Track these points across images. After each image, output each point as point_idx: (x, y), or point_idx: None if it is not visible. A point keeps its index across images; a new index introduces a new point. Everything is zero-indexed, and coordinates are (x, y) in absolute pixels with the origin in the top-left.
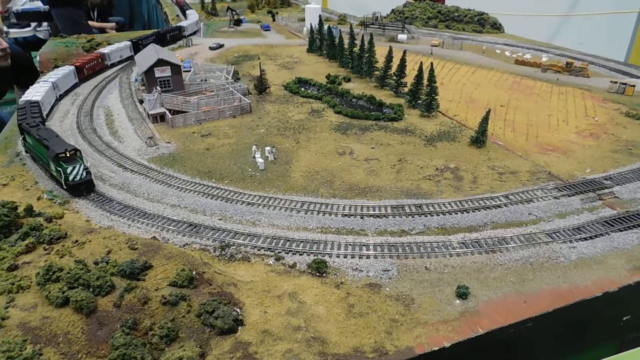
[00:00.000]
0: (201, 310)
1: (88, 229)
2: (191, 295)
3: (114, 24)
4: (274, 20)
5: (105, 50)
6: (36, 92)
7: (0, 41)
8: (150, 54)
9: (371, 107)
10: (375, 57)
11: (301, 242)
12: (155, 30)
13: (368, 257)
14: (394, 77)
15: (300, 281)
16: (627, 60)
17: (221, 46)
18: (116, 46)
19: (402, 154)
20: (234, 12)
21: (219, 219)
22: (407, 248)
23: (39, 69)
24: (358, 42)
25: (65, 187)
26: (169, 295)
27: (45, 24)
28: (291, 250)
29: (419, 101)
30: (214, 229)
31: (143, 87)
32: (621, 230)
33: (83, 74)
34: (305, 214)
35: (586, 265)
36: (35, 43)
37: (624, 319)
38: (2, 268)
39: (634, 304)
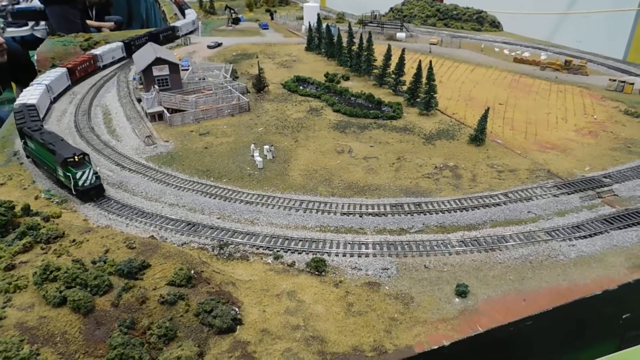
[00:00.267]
0: (199, 309)
1: (86, 228)
2: (189, 294)
3: (112, 23)
4: (272, 18)
5: (97, 51)
6: (31, 95)
7: None
8: (148, 52)
9: (370, 106)
10: (374, 56)
11: (300, 240)
12: (148, 31)
13: (367, 255)
14: (393, 76)
15: (299, 280)
16: (626, 58)
17: (219, 45)
18: (108, 47)
19: (401, 152)
20: (232, 11)
21: (218, 218)
22: (406, 246)
23: (36, 67)
24: (357, 40)
25: (74, 193)
26: (167, 295)
27: (42, 23)
28: (290, 249)
29: (418, 99)
30: (212, 228)
31: (141, 86)
32: (620, 228)
33: (75, 76)
34: (304, 212)
35: (586, 263)
36: (33, 42)
37: (624, 317)
38: None
39: (633, 302)
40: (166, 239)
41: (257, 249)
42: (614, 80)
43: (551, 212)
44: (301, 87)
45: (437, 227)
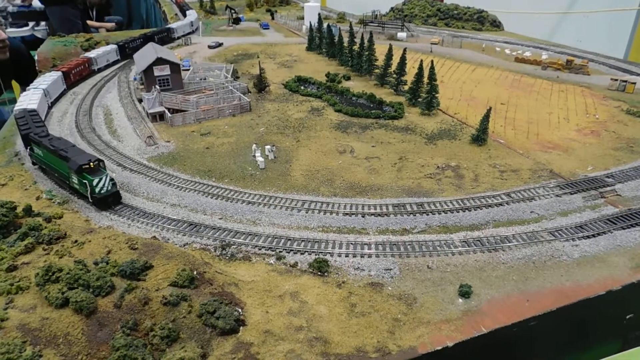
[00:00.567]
0: (202, 310)
1: (87, 229)
2: (192, 295)
3: (112, 24)
4: (272, 18)
5: (91, 54)
6: (30, 99)
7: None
8: (149, 52)
9: (371, 106)
10: (375, 56)
11: (302, 241)
12: (142, 33)
13: (370, 256)
14: (394, 75)
15: (302, 281)
16: (627, 58)
17: (220, 45)
18: (102, 50)
19: (402, 152)
20: (232, 11)
21: (219, 218)
22: (409, 247)
23: (37, 68)
24: (358, 40)
25: (91, 201)
26: (170, 296)
27: (43, 23)
28: (292, 250)
29: (419, 99)
30: (214, 229)
31: (142, 86)
32: (624, 228)
33: (70, 80)
34: (306, 212)
35: (589, 263)
36: (33, 42)
37: (627, 317)
38: (1, 269)
39: (636, 303)
40: (168, 239)
41: (260, 249)
42: (616, 80)
43: (554, 212)
44: (302, 87)
45: (440, 228)
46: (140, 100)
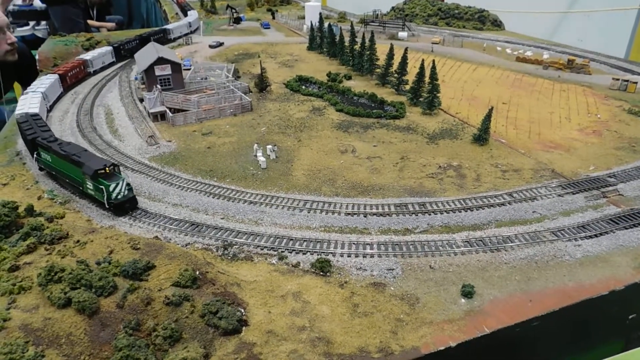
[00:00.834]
0: (205, 310)
1: (89, 229)
2: (194, 295)
3: (113, 23)
4: (273, 18)
5: (87, 56)
6: (31, 103)
7: (9, 35)
8: (150, 52)
9: (372, 105)
10: (376, 55)
11: (304, 241)
12: (138, 34)
13: (372, 256)
14: (395, 75)
15: (304, 281)
16: (628, 57)
17: (221, 44)
18: (98, 51)
19: (404, 152)
20: (233, 10)
21: (221, 218)
22: (411, 247)
23: (38, 67)
24: (359, 39)
25: (107, 207)
26: (172, 296)
27: (43, 22)
28: (294, 250)
29: (421, 99)
30: (216, 228)
31: (143, 86)
32: (626, 228)
33: (66, 82)
34: (308, 212)
35: (591, 263)
36: (34, 42)
37: (630, 317)
38: (3, 269)
39: (639, 303)
40: (170, 239)
41: (262, 249)
42: (618, 80)
43: (556, 212)
44: (303, 87)
45: (442, 227)
46: (141, 100)
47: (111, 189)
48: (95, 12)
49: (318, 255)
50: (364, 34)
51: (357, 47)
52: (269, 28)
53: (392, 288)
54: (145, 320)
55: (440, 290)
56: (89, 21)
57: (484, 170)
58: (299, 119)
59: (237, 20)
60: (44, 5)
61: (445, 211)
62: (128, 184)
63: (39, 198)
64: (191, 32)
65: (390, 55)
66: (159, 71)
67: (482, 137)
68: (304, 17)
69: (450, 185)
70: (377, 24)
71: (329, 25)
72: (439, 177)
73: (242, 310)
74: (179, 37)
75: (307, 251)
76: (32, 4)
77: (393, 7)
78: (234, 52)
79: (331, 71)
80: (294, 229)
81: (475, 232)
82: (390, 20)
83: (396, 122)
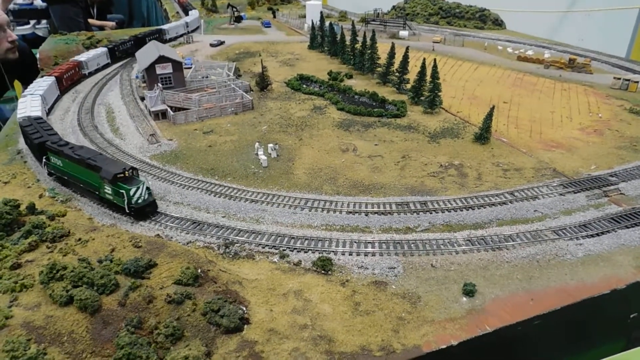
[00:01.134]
0: (207, 308)
1: (91, 227)
2: (196, 293)
3: (113, 23)
4: (274, 17)
5: (82, 58)
6: (32, 106)
7: (10, 33)
8: (152, 51)
9: (374, 104)
10: (377, 54)
11: (305, 239)
12: (133, 35)
13: (373, 254)
14: (397, 74)
15: (306, 279)
16: (629, 56)
17: (222, 43)
18: (93, 53)
19: (405, 151)
20: (234, 9)
21: (223, 217)
22: (412, 245)
23: (39, 66)
24: (360, 38)
25: (128, 211)
26: (174, 294)
27: (44, 21)
28: (296, 248)
29: (422, 98)
30: (217, 227)
31: (144, 84)
32: (628, 227)
33: (62, 85)
34: (310, 211)
35: (593, 262)
36: (35, 41)
37: (631, 316)
38: (5, 266)
39: None
40: (171, 237)
41: (263, 247)
42: (619, 79)
43: (558, 211)
44: (304, 86)
45: (444, 226)
46: (142, 99)
47: (132, 193)
48: (95, 11)
49: (319, 253)
50: (365, 32)
51: (358, 46)
52: (269, 27)
53: (394, 286)
54: (147, 318)
55: (441, 288)
56: (90, 20)
57: (486, 169)
58: (300, 118)
59: (238, 19)
60: (44, 4)
61: (447, 210)
62: (148, 188)
63: (40, 196)
64: (188, 33)
65: (392, 54)
66: (160, 70)
67: (483, 136)
68: (304, 16)
69: (452, 184)
70: (378, 22)
71: (330, 24)
72: (441, 175)
73: (244, 309)
74: (175, 38)
75: (309, 249)
76: (32, 3)
77: (394, 6)
78: (235, 50)
79: (332, 70)
80: (295, 228)
81: (476, 230)
82: (391, 19)
83: (397, 121)
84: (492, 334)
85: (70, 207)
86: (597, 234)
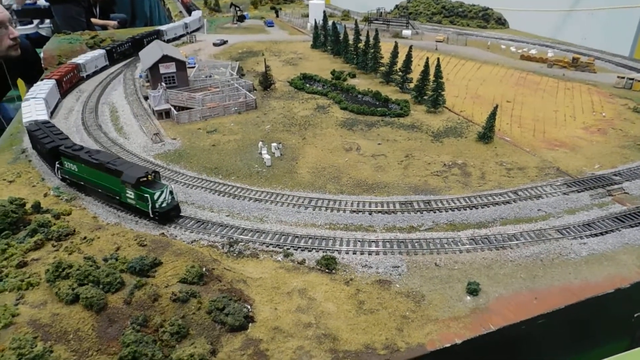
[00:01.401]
0: (212, 307)
1: (96, 226)
2: (201, 291)
3: (116, 22)
4: (277, 16)
5: (80, 60)
6: (37, 110)
7: (11, 30)
8: (155, 50)
9: (377, 103)
10: (380, 53)
11: (309, 238)
12: (131, 36)
13: (377, 253)
14: (400, 73)
15: (310, 278)
16: (632, 55)
17: (225, 42)
18: (91, 55)
19: (409, 150)
20: (237, 8)
21: (227, 216)
22: (416, 244)
23: (43, 65)
24: (363, 37)
25: (152, 216)
26: (179, 292)
27: (47, 21)
28: (300, 247)
29: (425, 97)
30: (221, 226)
31: (148, 84)
32: (632, 226)
33: (62, 88)
34: (313, 210)
35: (597, 261)
36: (38, 40)
37: (635, 315)
38: (11, 265)
39: None
40: (176, 236)
41: (267, 246)
42: (623, 78)
43: (561, 210)
44: (308, 85)
45: (447, 225)
46: (146, 98)
47: (156, 197)
48: (98, 10)
49: (323, 252)
50: (368, 32)
51: (361, 45)
52: (272, 26)
53: (398, 285)
54: (152, 317)
55: (445, 287)
56: (92, 19)
57: (489, 168)
58: (304, 117)
59: (241, 19)
60: (47, 4)
61: (450, 209)
62: (171, 191)
63: (45, 195)
64: (188, 33)
65: (395, 54)
66: (163, 69)
67: (486, 135)
68: (307, 15)
69: (455, 183)
70: (381, 22)
71: (333, 23)
72: (444, 175)
73: (249, 307)
74: (174, 39)
75: (313, 248)
76: (36, 2)
77: (397, 6)
78: (238, 50)
79: (335, 69)
80: (299, 227)
81: (480, 229)
82: (394, 18)
83: (401, 120)
84: (496, 333)
85: (75, 206)
86: (601, 233)
